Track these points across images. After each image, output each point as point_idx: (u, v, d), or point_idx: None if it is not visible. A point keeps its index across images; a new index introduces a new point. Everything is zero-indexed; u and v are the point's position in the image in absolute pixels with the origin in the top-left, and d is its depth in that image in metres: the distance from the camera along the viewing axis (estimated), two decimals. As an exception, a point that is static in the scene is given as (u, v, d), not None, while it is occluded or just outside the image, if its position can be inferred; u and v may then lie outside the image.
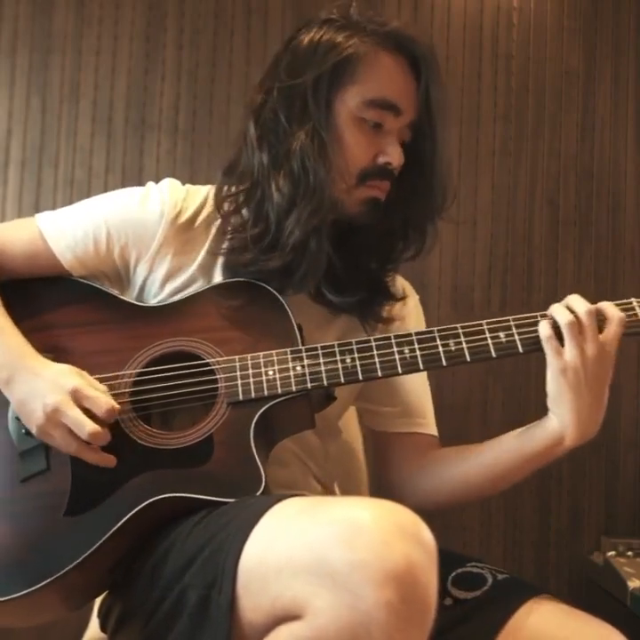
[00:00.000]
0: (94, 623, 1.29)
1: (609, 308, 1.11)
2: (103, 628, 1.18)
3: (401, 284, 1.35)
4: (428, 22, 2.56)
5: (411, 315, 1.34)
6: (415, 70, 1.19)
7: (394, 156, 1.18)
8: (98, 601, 1.23)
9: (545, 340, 1.10)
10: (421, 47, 1.19)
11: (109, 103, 2.49)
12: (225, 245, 1.21)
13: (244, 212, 1.22)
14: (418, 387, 1.32)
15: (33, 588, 0.99)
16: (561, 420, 1.11)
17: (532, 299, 2.50)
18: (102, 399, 1.07)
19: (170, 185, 1.25)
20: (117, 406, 1.08)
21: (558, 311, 1.10)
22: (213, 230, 1.24)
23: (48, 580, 0.99)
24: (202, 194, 1.27)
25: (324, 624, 0.79)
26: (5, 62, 2.48)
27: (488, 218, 2.53)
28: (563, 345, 1.09)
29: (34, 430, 1.08)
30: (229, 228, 1.22)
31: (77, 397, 1.07)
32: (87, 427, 1.05)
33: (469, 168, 2.54)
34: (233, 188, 1.23)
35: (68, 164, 2.48)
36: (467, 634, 1.04)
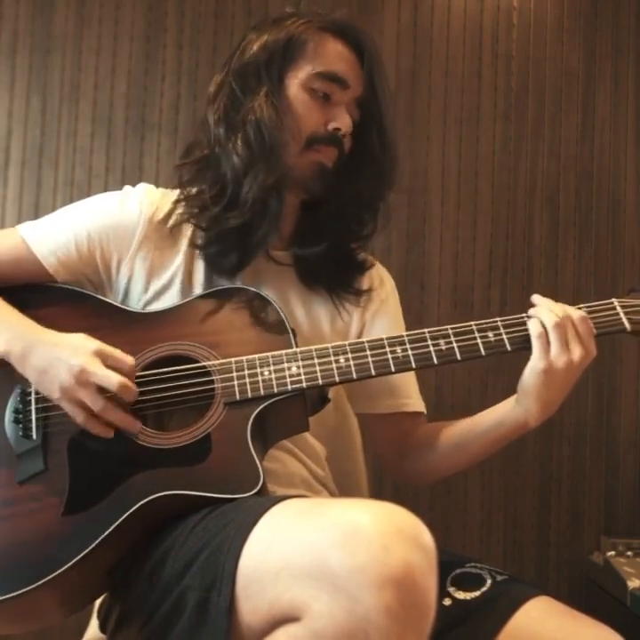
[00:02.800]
0: (94, 624, 1.29)
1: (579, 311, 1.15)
2: (103, 628, 1.18)
3: (372, 259, 1.40)
4: (428, 22, 2.56)
5: (389, 297, 1.39)
6: (358, 54, 1.28)
7: (343, 122, 1.26)
8: (98, 602, 1.23)
9: (536, 337, 1.13)
10: (363, 34, 1.29)
11: (109, 103, 2.49)
12: (189, 211, 1.26)
13: (201, 180, 1.28)
14: None
15: (32, 587, 0.99)
16: (526, 408, 1.16)
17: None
18: (125, 356, 1.12)
19: (145, 187, 1.31)
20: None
21: (544, 313, 1.14)
22: (182, 214, 1.28)
23: (47, 578, 0.99)
24: (176, 193, 1.31)
25: (323, 627, 0.79)
26: (5, 62, 2.48)
27: (488, 218, 2.53)
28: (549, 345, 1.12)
29: (57, 395, 1.10)
30: (188, 196, 1.28)
31: (103, 357, 1.10)
32: (116, 379, 1.08)
33: (469, 168, 2.54)
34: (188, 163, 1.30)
35: (68, 164, 2.48)
36: (465, 635, 1.04)
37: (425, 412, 1.36)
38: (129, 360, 1.12)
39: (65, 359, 1.09)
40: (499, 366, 2.36)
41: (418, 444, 1.33)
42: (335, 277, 1.32)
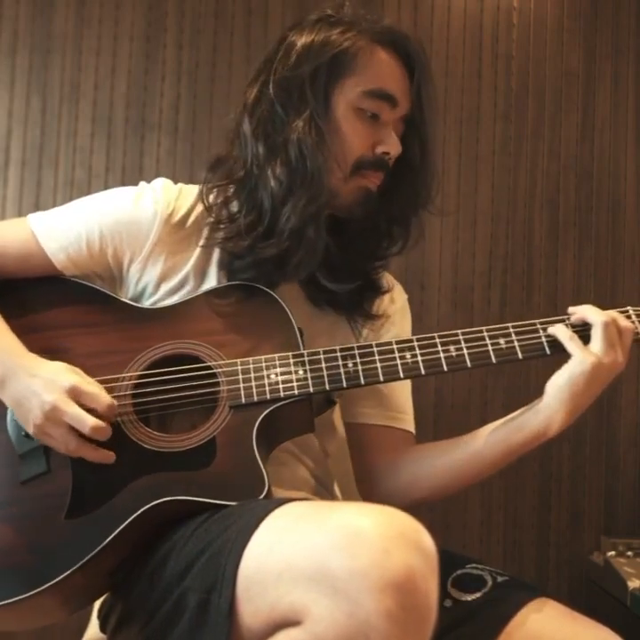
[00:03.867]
0: (94, 624, 1.29)
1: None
2: (103, 628, 1.18)
3: (390, 281, 1.35)
4: (428, 22, 2.56)
5: (396, 314, 1.34)
6: (408, 67, 1.21)
7: (392, 146, 1.20)
8: (98, 602, 1.23)
9: (567, 340, 1.11)
10: (414, 45, 1.22)
11: (109, 103, 2.49)
12: (219, 235, 1.21)
13: (235, 203, 1.23)
14: (398, 383, 1.29)
15: (34, 592, 0.99)
16: (554, 413, 1.11)
17: (532, 299, 2.49)
18: (102, 395, 1.08)
19: (163, 184, 1.25)
20: (116, 402, 1.08)
21: (592, 311, 1.12)
22: (206, 226, 1.23)
23: (49, 584, 0.99)
24: (194, 193, 1.26)
25: (323, 631, 0.79)
26: (5, 62, 2.48)
27: (488, 218, 2.53)
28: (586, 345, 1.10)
29: (31, 430, 1.08)
30: (219, 220, 1.22)
31: (75, 395, 1.07)
32: (89, 421, 1.05)
33: (469, 168, 2.54)
34: (221, 182, 1.24)
35: (68, 164, 2.48)
36: (466, 636, 1.05)
37: (414, 434, 1.31)
38: (104, 399, 1.07)
39: (39, 393, 1.06)
40: (499, 367, 2.36)
41: (410, 459, 1.26)
42: (348, 301, 1.26)
